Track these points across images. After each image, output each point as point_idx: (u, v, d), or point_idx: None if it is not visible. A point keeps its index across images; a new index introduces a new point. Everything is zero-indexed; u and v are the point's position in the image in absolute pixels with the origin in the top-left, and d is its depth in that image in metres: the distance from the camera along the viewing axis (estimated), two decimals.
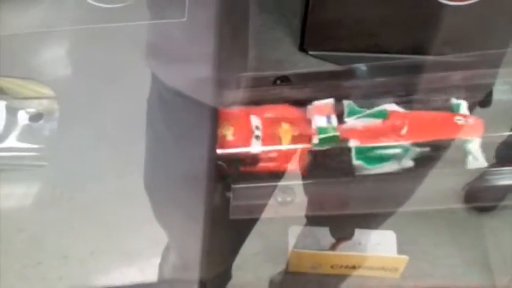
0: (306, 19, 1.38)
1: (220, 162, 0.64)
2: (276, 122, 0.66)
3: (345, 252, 0.82)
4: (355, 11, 1.30)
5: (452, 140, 0.65)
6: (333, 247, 0.85)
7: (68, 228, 1.15)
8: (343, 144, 0.64)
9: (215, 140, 0.65)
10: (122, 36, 0.75)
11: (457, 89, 0.70)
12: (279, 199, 0.66)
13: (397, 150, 0.64)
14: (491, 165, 1.09)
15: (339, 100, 0.69)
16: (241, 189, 0.65)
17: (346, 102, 0.67)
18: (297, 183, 0.66)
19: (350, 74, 0.74)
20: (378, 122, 0.65)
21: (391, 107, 0.66)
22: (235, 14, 0.67)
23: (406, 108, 0.67)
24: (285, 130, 0.66)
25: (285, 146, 0.65)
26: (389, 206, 0.74)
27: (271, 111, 0.67)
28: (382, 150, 0.64)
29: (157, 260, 0.94)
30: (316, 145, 0.65)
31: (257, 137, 0.65)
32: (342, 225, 0.85)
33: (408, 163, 0.65)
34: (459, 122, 0.65)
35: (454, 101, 0.68)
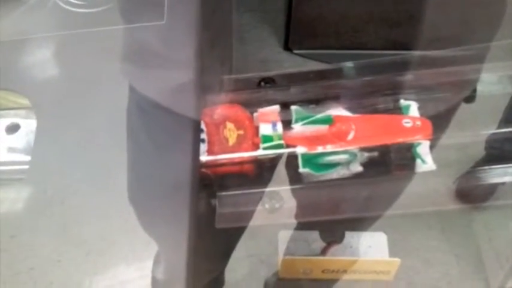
0: (290, 17, 1.37)
1: (204, 170, 0.63)
2: (220, 122, 0.65)
3: (336, 257, 0.80)
4: (339, 7, 1.29)
5: (401, 143, 0.63)
6: (324, 251, 0.83)
7: (61, 231, 1.14)
8: (289, 152, 0.63)
9: (198, 147, 0.63)
10: (101, 41, 0.73)
11: (444, 85, 0.69)
12: (267, 206, 0.65)
13: (345, 156, 0.63)
14: (481, 160, 1.08)
15: (326, 101, 0.67)
16: (227, 196, 0.64)
17: (293, 108, 0.65)
18: (285, 189, 0.65)
19: (337, 73, 0.73)
20: (323, 128, 0.63)
21: (336, 111, 0.65)
22: (217, 13, 0.65)
23: (355, 111, 0.65)
24: (230, 129, 0.64)
25: (237, 154, 0.63)
26: (382, 208, 0.73)
27: (214, 111, 0.66)
28: (328, 157, 0.63)
29: (152, 262, 0.93)
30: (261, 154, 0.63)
31: (202, 140, 0.63)
32: (332, 228, 0.84)
33: (357, 168, 0.63)
34: (407, 125, 0.63)
35: (403, 102, 0.67)
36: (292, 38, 1.43)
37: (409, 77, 0.69)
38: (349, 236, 0.85)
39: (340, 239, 0.84)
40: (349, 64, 0.72)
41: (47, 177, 1.03)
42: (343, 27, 1.33)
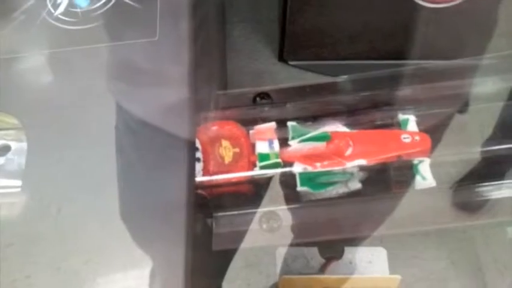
0: (285, 28, 1.35)
1: (200, 191, 0.61)
2: (215, 140, 0.64)
3: (336, 275, 0.79)
4: (334, 18, 1.28)
5: (400, 160, 0.63)
6: (323, 268, 0.82)
7: (59, 240, 1.12)
8: (287, 171, 0.62)
9: (193, 166, 0.62)
10: (92, 59, 0.71)
11: (440, 99, 0.68)
12: (264, 226, 0.64)
13: (342, 175, 0.62)
14: (477, 165, 1.08)
15: (323, 117, 0.67)
16: (224, 217, 0.62)
17: (290, 124, 0.65)
18: (282, 208, 0.64)
19: (333, 87, 0.72)
20: (321, 145, 0.63)
21: (334, 127, 0.64)
22: (210, 26, 0.64)
23: (353, 127, 0.65)
24: (226, 147, 0.63)
25: (234, 175, 0.62)
26: (380, 225, 0.72)
27: (209, 129, 0.65)
28: (327, 175, 0.62)
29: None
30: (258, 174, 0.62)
31: (197, 159, 0.63)
32: (330, 244, 0.83)
33: (356, 185, 0.63)
34: (406, 140, 0.63)
35: (401, 116, 0.66)
36: (287, 49, 1.42)
37: (406, 91, 0.68)
38: (349, 252, 0.84)
39: (339, 254, 0.83)
40: (344, 77, 0.71)
41: (43, 186, 1.01)
42: (338, 38, 1.32)
